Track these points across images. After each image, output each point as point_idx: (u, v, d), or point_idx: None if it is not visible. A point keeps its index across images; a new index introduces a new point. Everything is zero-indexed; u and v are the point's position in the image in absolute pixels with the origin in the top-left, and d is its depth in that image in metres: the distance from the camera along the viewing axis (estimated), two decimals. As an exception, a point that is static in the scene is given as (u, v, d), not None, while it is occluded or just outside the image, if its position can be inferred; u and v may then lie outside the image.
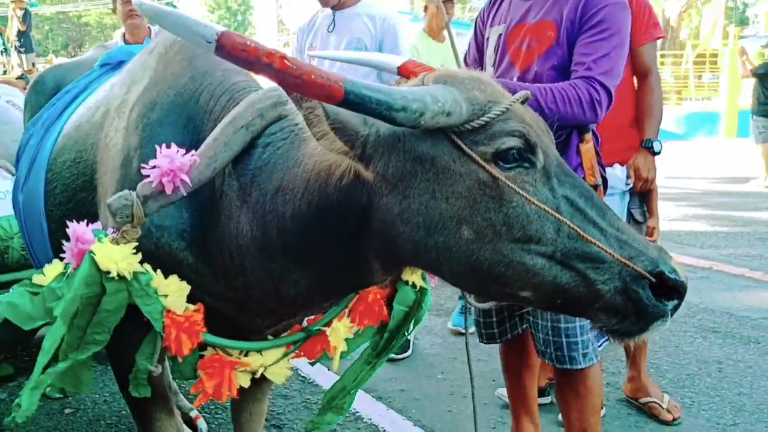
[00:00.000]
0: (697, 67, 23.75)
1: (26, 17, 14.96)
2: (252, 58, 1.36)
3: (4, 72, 13.88)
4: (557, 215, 1.50)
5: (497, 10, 2.89)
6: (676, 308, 1.53)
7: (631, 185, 3.36)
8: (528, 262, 1.51)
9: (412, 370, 4.34)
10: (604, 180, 2.64)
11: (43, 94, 3.10)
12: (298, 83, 1.38)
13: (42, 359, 1.83)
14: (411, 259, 1.64)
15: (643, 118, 3.48)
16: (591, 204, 1.56)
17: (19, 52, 14.64)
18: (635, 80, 3.54)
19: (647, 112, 3.48)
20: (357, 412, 3.67)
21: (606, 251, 1.49)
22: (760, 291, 6.00)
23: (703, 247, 7.26)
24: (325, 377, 4.03)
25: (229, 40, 1.35)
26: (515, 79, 2.63)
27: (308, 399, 3.87)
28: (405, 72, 2.17)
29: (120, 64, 2.75)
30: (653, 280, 1.48)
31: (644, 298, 1.49)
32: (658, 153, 3.41)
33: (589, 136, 2.55)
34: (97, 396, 3.85)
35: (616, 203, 3.33)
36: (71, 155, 2.39)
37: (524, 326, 2.88)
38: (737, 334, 4.91)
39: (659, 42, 3.87)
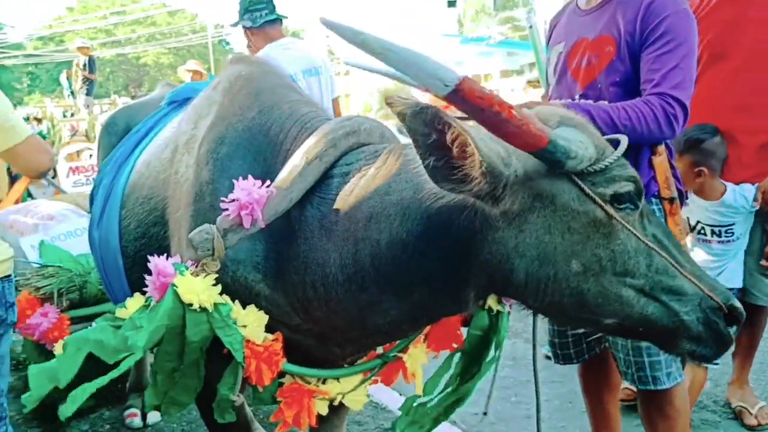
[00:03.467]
0: None
1: (92, 65, 15.47)
2: (485, 106, 1.43)
3: (72, 114, 14.40)
4: (660, 251, 1.64)
5: (555, 29, 2.88)
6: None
7: (758, 207, 3.28)
8: (623, 294, 1.63)
9: (486, 393, 4.26)
10: (680, 193, 2.55)
11: (115, 135, 3.20)
12: (516, 132, 1.48)
13: (102, 379, 1.89)
14: (517, 289, 1.68)
15: None
16: (672, 242, 1.71)
17: (87, 94, 15.19)
18: None
19: None
20: (433, 436, 3.62)
21: (696, 285, 1.64)
22: None
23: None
24: (397, 403, 3.95)
25: (469, 86, 1.42)
26: (577, 96, 2.59)
27: (381, 425, 3.85)
28: None
29: (186, 101, 2.80)
30: (726, 311, 1.65)
31: (722, 328, 1.66)
32: None
33: (661, 148, 2.47)
34: (175, 425, 3.90)
35: (741, 222, 3.29)
36: (143, 192, 2.45)
37: (603, 346, 2.80)
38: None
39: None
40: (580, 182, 1.60)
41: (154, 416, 3.91)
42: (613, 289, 1.62)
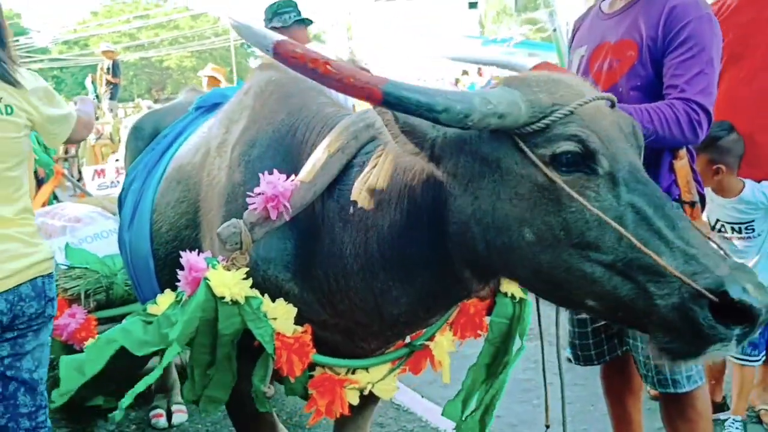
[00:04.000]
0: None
1: (116, 69, 15.63)
2: (300, 64, 1.52)
3: (97, 118, 14.54)
4: (612, 223, 1.44)
5: (578, 32, 2.90)
6: (746, 336, 1.39)
7: None
8: (587, 270, 1.48)
9: (506, 395, 4.25)
10: (702, 197, 2.56)
11: (142, 139, 3.25)
12: (340, 86, 1.51)
13: (155, 373, 1.95)
14: (486, 261, 1.66)
15: None
16: (660, 214, 1.47)
17: (111, 99, 15.35)
18: None
19: None
20: (452, 438, 3.64)
21: (661, 264, 1.39)
22: None
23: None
24: (419, 405, 4.02)
25: (282, 48, 1.54)
26: None
27: (404, 426, 3.87)
28: None
29: (214, 106, 2.85)
30: (714, 299, 1.35)
31: (700, 318, 1.36)
32: None
33: (683, 152, 2.48)
34: (200, 426, 3.95)
35: (761, 219, 3.30)
36: (175, 195, 2.49)
37: (624, 348, 2.80)
38: None
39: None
40: (520, 143, 1.53)
41: (179, 417, 3.97)
42: (574, 263, 1.49)
